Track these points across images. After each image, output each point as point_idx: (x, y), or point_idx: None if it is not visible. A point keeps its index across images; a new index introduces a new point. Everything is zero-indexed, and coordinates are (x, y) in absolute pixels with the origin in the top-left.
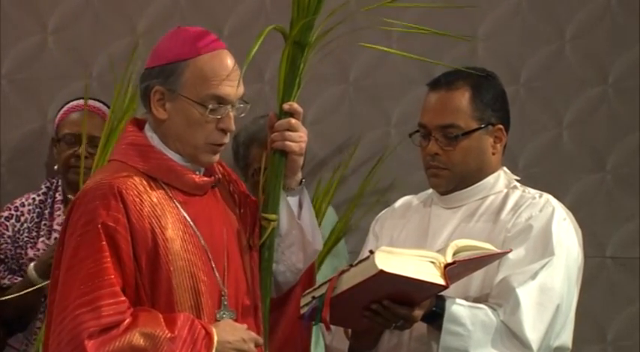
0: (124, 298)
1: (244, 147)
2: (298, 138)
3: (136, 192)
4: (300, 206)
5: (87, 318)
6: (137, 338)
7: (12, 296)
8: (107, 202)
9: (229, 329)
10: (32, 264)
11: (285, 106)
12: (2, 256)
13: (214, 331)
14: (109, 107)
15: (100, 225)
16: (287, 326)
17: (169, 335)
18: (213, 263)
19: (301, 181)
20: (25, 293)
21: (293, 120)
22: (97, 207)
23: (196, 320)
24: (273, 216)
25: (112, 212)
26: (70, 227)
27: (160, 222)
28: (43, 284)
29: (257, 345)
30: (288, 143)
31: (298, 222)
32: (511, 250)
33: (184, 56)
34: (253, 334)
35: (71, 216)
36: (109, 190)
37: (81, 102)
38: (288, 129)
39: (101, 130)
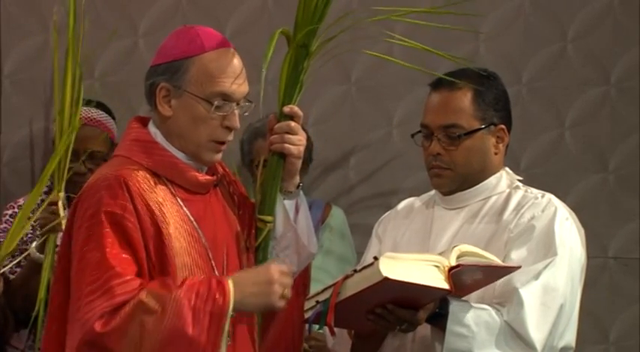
0: (132, 277)
1: (248, 142)
2: (297, 141)
3: (141, 186)
4: (297, 210)
5: (99, 302)
6: (144, 295)
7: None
8: (114, 192)
9: (251, 274)
10: (33, 245)
11: (286, 109)
12: None
13: (229, 278)
14: (110, 112)
15: (103, 214)
16: (279, 328)
17: (180, 286)
18: (213, 262)
19: (299, 185)
20: (29, 279)
21: (293, 123)
22: (102, 197)
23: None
24: (269, 218)
25: (119, 200)
26: (77, 220)
27: (164, 217)
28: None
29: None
30: (287, 146)
31: (294, 225)
32: (520, 267)
33: (190, 53)
34: (278, 271)
35: (77, 210)
36: (115, 181)
37: (85, 112)
38: (288, 132)
39: (101, 144)
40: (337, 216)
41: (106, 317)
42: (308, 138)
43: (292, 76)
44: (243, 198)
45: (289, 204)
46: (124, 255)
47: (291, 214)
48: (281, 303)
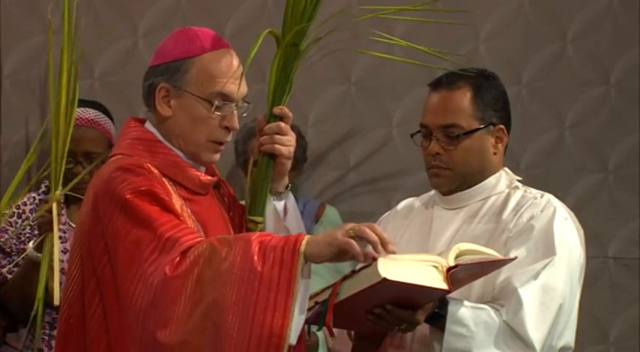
0: (187, 225)
1: (242, 142)
2: (287, 142)
3: (154, 171)
4: (285, 211)
5: (163, 256)
6: (214, 239)
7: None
8: (134, 173)
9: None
10: (30, 244)
11: (276, 110)
12: (8, 249)
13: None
14: (108, 112)
15: (131, 193)
16: None
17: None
18: None
19: (288, 186)
20: (27, 278)
21: (282, 124)
22: (124, 180)
23: None
24: (259, 219)
25: (141, 177)
26: (105, 215)
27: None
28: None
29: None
30: (277, 146)
31: (285, 224)
32: (516, 257)
33: (190, 53)
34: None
35: (99, 207)
36: (131, 166)
37: (82, 113)
38: (278, 133)
39: (98, 145)
40: (331, 214)
41: (175, 262)
42: (302, 138)
43: (282, 77)
44: (232, 200)
45: (279, 205)
46: (169, 214)
47: (280, 215)
48: (348, 243)
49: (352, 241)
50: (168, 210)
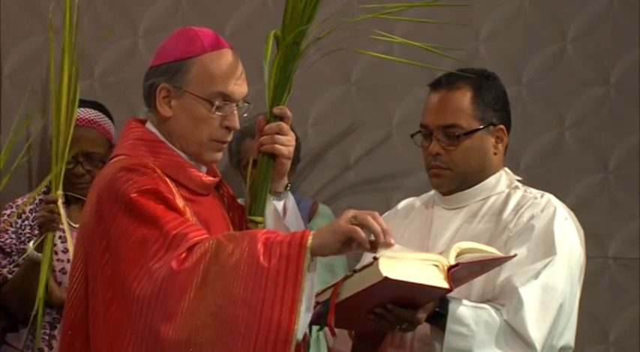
0: (193, 223)
1: (236, 142)
2: (287, 142)
3: (157, 171)
4: (285, 211)
5: (170, 253)
6: (221, 236)
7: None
8: (139, 172)
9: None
10: (31, 244)
11: (276, 110)
12: (8, 249)
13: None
14: (108, 112)
15: (136, 193)
16: None
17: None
18: None
19: (287, 186)
20: (28, 278)
21: (283, 124)
22: (128, 180)
23: None
24: (259, 219)
25: (146, 176)
26: (108, 216)
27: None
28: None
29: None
30: (277, 146)
31: (285, 223)
32: (516, 255)
33: (191, 54)
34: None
35: (102, 207)
36: (135, 166)
37: (82, 114)
38: (278, 133)
39: (99, 145)
40: (324, 212)
41: (182, 257)
42: (296, 139)
43: (281, 77)
44: (232, 200)
45: (278, 205)
46: (174, 212)
47: (280, 215)
48: (353, 230)
49: (357, 228)
50: (173, 208)
